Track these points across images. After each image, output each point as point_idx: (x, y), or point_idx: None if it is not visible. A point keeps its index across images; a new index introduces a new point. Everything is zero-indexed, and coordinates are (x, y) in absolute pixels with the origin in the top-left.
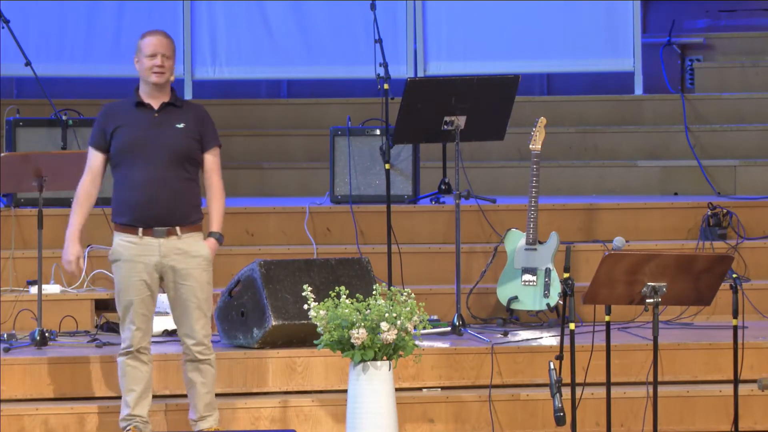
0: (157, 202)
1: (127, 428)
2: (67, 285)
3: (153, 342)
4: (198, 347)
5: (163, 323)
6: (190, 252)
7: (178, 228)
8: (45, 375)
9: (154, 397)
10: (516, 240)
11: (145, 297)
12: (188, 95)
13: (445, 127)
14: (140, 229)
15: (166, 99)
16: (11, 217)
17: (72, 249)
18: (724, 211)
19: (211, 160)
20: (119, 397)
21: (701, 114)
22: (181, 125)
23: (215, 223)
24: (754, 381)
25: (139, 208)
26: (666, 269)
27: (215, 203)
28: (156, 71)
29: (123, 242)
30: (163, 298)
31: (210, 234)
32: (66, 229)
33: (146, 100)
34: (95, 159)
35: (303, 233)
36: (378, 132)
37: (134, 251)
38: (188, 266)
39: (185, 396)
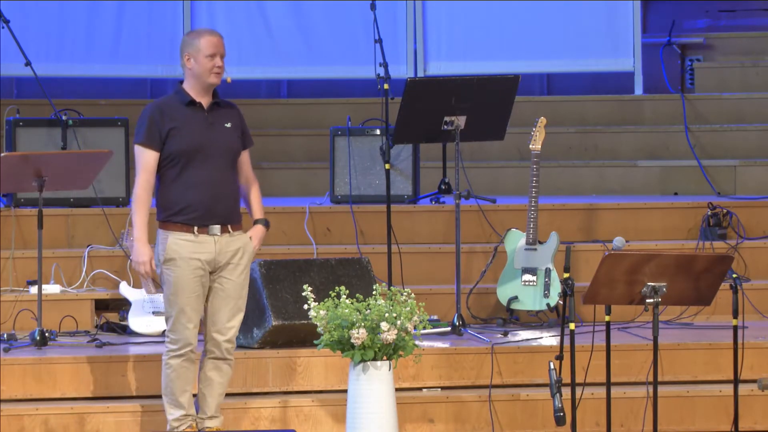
0: (215, 202)
1: (183, 428)
2: (67, 285)
3: (152, 342)
4: (228, 344)
5: (162, 323)
6: (240, 249)
7: (229, 226)
8: (45, 375)
9: (154, 397)
10: (516, 240)
11: (200, 294)
12: None
13: (445, 127)
14: (196, 228)
15: (211, 98)
16: (11, 217)
17: (143, 250)
18: (724, 211)
19: (246, 155)
20: (119, 397)
21: (701, 114)
22: (229, 125)
23: (259, 211)
24: (754, 381)
25: (198, 208)
26: (666, 269)
27: (255, 193)
28: (216, 72)
29: (179, 240)
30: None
31: (257, 221)
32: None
33: (196, 98)
34: (151, 158)
35: (303, 233)
36: (378, 132)
37: (191, 249)
38: (237, 263)
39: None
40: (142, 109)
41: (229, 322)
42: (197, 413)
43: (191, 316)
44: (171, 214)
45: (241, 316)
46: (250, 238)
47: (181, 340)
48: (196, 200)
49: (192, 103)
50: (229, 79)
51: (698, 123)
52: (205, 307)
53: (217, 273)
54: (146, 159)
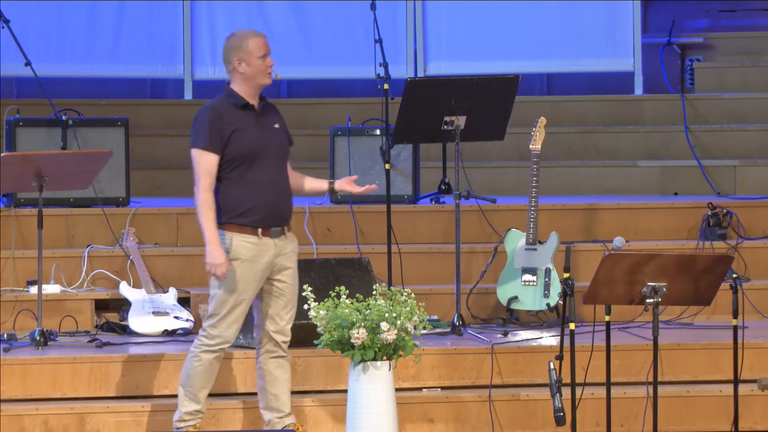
0: (277, 203)
1: (192, 424)
2: (67, 285)
3: (153, 342)
4: (286, 342)
5: (163, 323)
6: (293, 250)
7: (286, 227)
8: (45, 375)
9: (154, 397)
10: (516, 240)
11: (254, 296)
12: (188, 95)
13: (445, 127)
14: (260, 230)
15: (259, 100)
16: (11, 217)
17: (218, 252)
18: (724, 211)
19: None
20: (119, 397)
21: (701, 114)
22: (277, 125)
23: (316, 179)
24: (754, 381)
25: (262, 210)
26: (666, 269)
27: (299, 174)
28: (269, 72)
29: (243, 242)
30: (163, 298)
31: (329, 183)
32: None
33: (251, 101)
34: (213, 162)
35: (303, 233)
36: (378, 132)
37: (254, 252)
38: (293, 264)
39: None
40: (142, 109)
41: (288, 324)
42: (272, 414)
43: (238, 317)
44: (234, 215)
45: (293, 317)
46: (353, 186)
47: (221, 337)
48: (259, 202)
49: (246, 105)
50: (278, 76)
51: (698, 123)
52: (263, 310)
53: (275, 276)
54: (209, 162)
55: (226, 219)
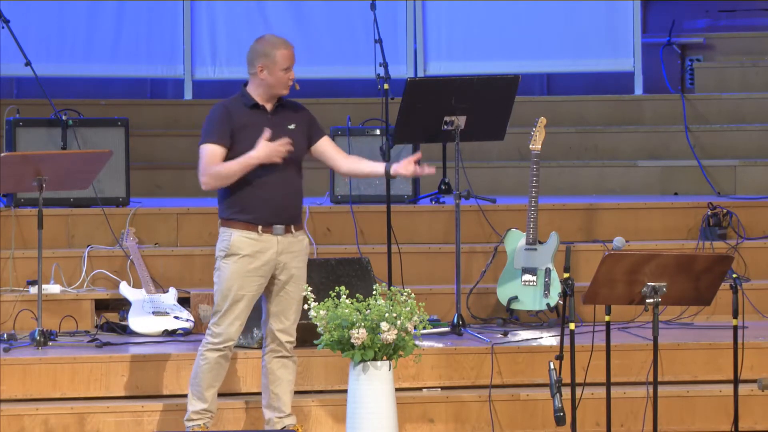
0: (281, 202)
1: (200, 423)
2: (67, 285)
3: (153, 342)
4: (291, 343)
5: (163, 323)
6: (302, 249)
7: (292, 226)
8: (45, 375)
9: (154, 397)
10: (516, 240)
11: (254, 294)
12: (188, 95)
13: (445, 127)
14: (260, 227)
15: (276, 101)
16: (11, 217)
17: (260, 150)
18: (724, 211)
19: (326, 143)
20: (120, 397)
21: (701, 114)
22: (292, 126)
23: (373, 162)
24: (754, 381)
25: (262, 207)
26: (666, 269)
27: (356, 158)
28: (289, 85)
29: (243, 238)
30: (163, 298)
31: (386, 166)
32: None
33: (261, 102)
34: (217, 152)
35: None
36: (378, 132)
37: (255, 247)
38: (299, 264)
39: (185, 396)
40: (142, 109)
41: (294, 324)
42: (273, 414)
43: (240, 314)
44: (235, 212)
45: (298, 318)
46: (415, 164)
47: (224, 335)
48: (260, 200)
49: (256, 106)
50: (297, 87)
51: (698, 123)
52: (268, 308)
53: (279, 274)
54: (212, 152)
55: (228, 215)
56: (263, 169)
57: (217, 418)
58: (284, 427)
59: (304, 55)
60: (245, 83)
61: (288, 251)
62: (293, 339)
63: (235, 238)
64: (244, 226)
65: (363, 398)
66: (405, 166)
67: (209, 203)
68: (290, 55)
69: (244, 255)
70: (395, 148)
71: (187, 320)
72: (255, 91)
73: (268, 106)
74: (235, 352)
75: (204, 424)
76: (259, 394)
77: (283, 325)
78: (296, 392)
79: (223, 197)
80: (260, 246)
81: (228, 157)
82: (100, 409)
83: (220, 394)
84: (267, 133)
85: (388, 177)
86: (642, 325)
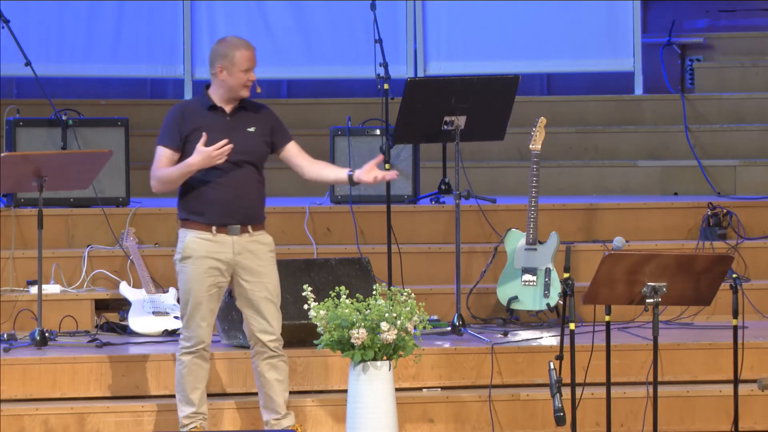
0: (233, 202)
1: (192, 426)
2: (67, 285)
3: (152, 342)
4: (275, 342)
5: (163, 323)
6: (261, 249)
7: (250, 226)
8: (45, 375)
9: (154, 397)
10: (516, 240)
11: (214, 293)
12: (188, 95)
13: (445, 127)
14: (214, 228)
15: (236, 103)
16: (11, 217)
17: (195, 159)
18: (724, 211)
19: (292, 147)
20: (119, 397)
21: (701, 114)
22: (252, 129)
23: (338, 168)
24: (754, 381)
25: (216, 207)
26: (666, 269)
27: (321, 163)
28: (248, 86)
29: (196, 239)
30: (163, 298)
31: (348, 173)
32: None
33: (219, 103)
34: (167, 155)
35: (303, 233)
36: (378, 132)
37: (208, 248)
38: (260, 263)
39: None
40: (142, 109)
41: (271, 321)
42: (270, 416)
43: (204, 314)
44: (190, 213)
45: (279, 315)
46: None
47: (194, 337)
48: (214, 200)
49: (214, 107)
50: (258, 89)
51: (698, 123)
52: (242, 311)
53: (242, 275)
54: (163, 158)
55: (184, 216)
56: (217, 170)
57: (216, 418)
58: (283, 428)
59: (304, 55)
60: (208, 84)
61: (246, 251)
62: (275, 337)
63: (189, 240)
64: (199, 226)
65: (363, 398)
66: (367, 173)
67: None
68: (250, 56)
69: (199, 256)
70: (395, 148)
71: None
72: (215, 93)
73: (228, 108)
74: (234, 351)
75: (199, 424)
76: (255, 394)
77: (260, 325)
78: (296, 392)
79: (180, 199)
80: (215, 246)
81: (183, 157)
82: (100, 409)
83: (220, 395)
84: (219, 141)
85: (352, 184)
86: (642, 325)
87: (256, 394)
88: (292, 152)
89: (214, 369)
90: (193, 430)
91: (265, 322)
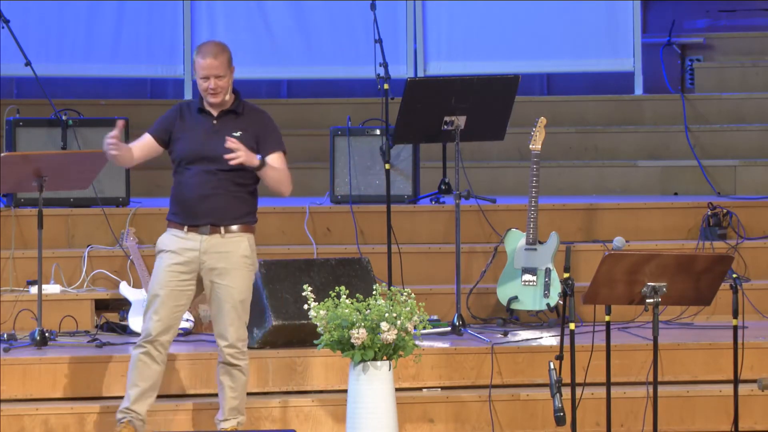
0: (204, 202)
1: (122, 420)
2: (67, 285)
3: None
4: (229, 350)
5: None
6: (231, 251)
7: (222, 228)
8: (45, 375)
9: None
10: (516, 240)
11: (176, 290)
12: (188, 95)
13: (445, 127)
14: (185, 226)
15: (225, 107)
16: (11, 217)
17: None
18: (724, 211)
19: (274, 161)
20: (120, 397)
21: (701, 114)
22: (238, 133)
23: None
24: (754, 381)
25: (187, 208)
26: (666, 269)
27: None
28: (210, 93)
29: (170, 236)
30: None
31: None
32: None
33: (207, 107)
34: (145, 141)
35: (303, 233)
36: (378, 132)
37: (178, 244)
38: (228, 265)
39: (185, 396)
40: (142, 109)
41: (228, 328)
42: (217, 415)
43: (158, 309)
44: (170, 213)
45: (240, 324)
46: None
47: (145, 330)
48: (184, 200)
49: (202, 110)
50: (218, 98)
51: (698, 123)
52: (210, 312)
53: (208, 276)
54: (143, 137)
55: (167, 215)
56: (193, 172)
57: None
58: (221, 428)
59: (304, 55)
60: None
61: (214, 251)
62: (228, 344)
63: (163, 236)
64: (173, 225)
65: (363, 398)
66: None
67: None
68: (205, 64)
69: (168, 251)
70: (395, 148)
71: (187, 320)
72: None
73: (214, 112)
74: None
75: (128, 421)
76: (259, 393)
77: (218, 329)
78: (296, 392)
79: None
80: (184, 243)
81: (171, 157)
82: (100, 409)
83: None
84: (120, 122)
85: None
86: (642, 325)
87: (256, 394)
88: (271, 163)
89: (214, 369)
90: (121, 425)
91: (223, 327)
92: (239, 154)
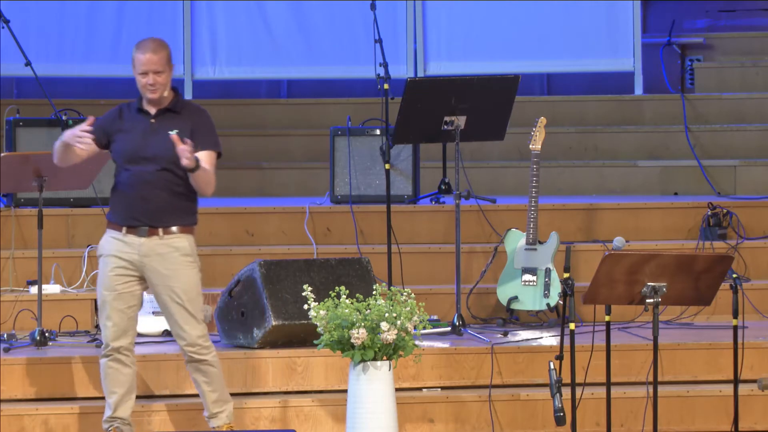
0: (142, 203)
1: (109, 429)
2: (67, 285)
3: (153, 342)
4: (191, 348)
5: (162, 323)
6: (171, 252)
7: (160, 229)
8: (45, 375)
9: (154, 397)
10: (516, 240)
11: (124, 293)
12: (188, 95)
13: (445, 127)
14: (124, 228)
15: (163, 105)
16: (11, 217)
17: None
18: (724, 211)
19: (203, 155)
20: None
21: (701, 114)
22: (174, 132)
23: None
24: (754, 381)
25: (125, 209)
26: (666, 269)
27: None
28: (149, 89)
29: (108, 238)
30: None
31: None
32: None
33: (145, 106)
34: (75, 130)
35: (303, 233)
36: (378, 132)
37: (117, 246)
38: (167, 266)
39: (185, 396)
40: None
41: (183, 326)
42: (204, 413)
43: (110, 314)
44: (109, 213)
45: (194, 320)
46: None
47: (104, 338)
48: (124, 201)
49: (140, 109)
50: (159, 94)
51: (698, 123)
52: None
53: (151, 278)
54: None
55: (108, 214)
56: (130, 172)
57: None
58: (213, 427)
59: (304, 55)
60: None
61: (154, 254)
62: (188, 342)
63: (102, 239)
64: (111, 226)
65: (363, 398)
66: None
67: (208, 203)
68: (144, 59)
69: (108, 255)
70: (395, 148)
71: None
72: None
73: (152, 110)
74: (232, 352)
75: (116, 428)
76: (259, 393)
77: (174, 329)
78: (296, 392)
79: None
80: (122, 246)
81: (111, 157)
82: (100, 409)
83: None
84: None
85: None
86: (642, 325)
87: (256, 394)
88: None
89: None
90: None
91: (177, 327)
92: (187, 148)
